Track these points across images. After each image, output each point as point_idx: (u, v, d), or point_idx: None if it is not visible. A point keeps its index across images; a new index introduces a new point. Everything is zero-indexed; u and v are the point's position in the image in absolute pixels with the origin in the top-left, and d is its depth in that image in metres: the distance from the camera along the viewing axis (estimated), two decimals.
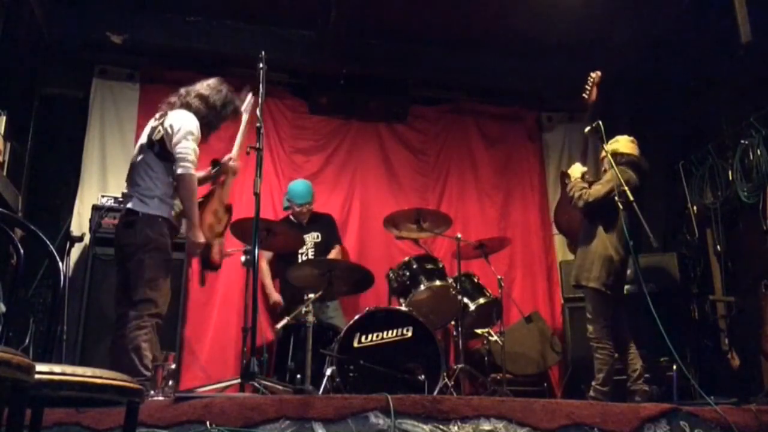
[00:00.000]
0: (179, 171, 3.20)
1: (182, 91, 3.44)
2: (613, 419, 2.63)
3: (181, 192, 3.25)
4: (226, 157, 3.61)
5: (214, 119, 3.44)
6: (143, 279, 3.13)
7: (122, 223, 3.29)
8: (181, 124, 3.26)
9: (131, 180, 3.32)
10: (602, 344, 3.80)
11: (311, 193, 4.96)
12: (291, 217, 4.98)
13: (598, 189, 3.88)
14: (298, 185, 5.00)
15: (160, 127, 3.30)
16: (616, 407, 2.75)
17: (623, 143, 4.10)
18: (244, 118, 3.65)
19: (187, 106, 3.36)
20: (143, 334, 3.07)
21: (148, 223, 3.19)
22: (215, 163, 3.62)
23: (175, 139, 3.22)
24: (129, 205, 3.24)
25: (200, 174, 3.47)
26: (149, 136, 3.33)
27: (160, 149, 3.26)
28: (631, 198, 3.66)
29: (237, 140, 3.65)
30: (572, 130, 6.12)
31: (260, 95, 3.31)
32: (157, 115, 3.41)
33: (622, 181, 3.71)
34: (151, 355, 3.02)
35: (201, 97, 3.40)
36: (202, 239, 3.27)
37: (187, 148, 3.22)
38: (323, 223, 5.06)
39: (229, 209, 3.64)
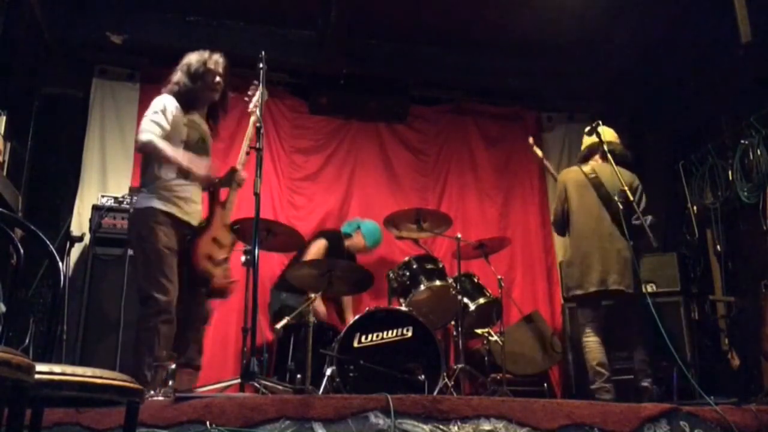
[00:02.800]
0: (136, 147, 3.31)
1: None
2: (613, 419, 2.63)
3: (154, 158, 3.29)
4: (232, 168, 3.56)
5: (194, 88, 3.43)
6: (140, 275, 3.16)
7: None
8: (150, 107, 3.34)
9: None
10: (584, 339, 3.91)
11: (380, 244, 5.01)
12: (345, 243, 4.94)
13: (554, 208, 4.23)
14: (378, 231, 4.96)
15: None
16: (616, 407, 2.75)
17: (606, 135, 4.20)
18: (252, 120, 3.58)
19: (168, 83, 3.43)
20: (146, 334, 3.10)
21: (140, 217, 3.24)
22: (232, 170, 3.57)
23: None
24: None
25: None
26: None
27: None
28: (631, 198, 3.66)
29: (243, 146, 3.59)
30: (572, 130, 6.11)
31: (260, 95, 3.31)
32: None
33: (622, 181, 3.71)
34: (156, 355, 3.02)
35: (182, 67, 3.46)
36: (203, 171, 3.36)
37: (144, 122, 3.28)
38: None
39: (232, 228, 3.58)
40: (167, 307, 3.17)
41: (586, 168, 4.05)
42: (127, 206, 4.38)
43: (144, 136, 3.25)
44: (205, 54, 3.47)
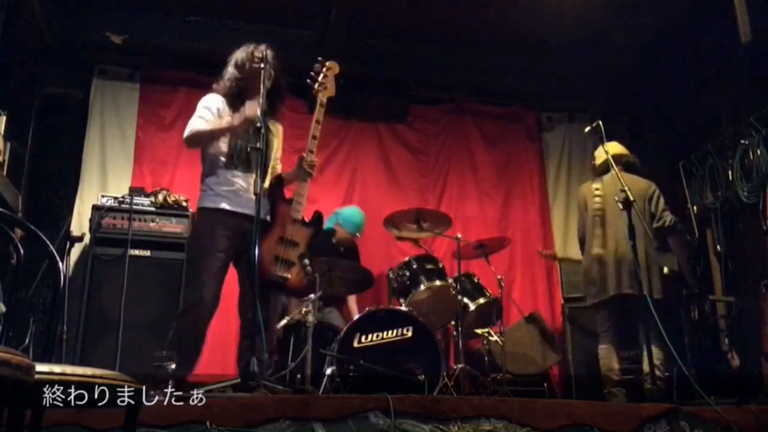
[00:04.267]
0: (186, 145, 3.36)
1: None
2: (613, 419, 2.63)
3: (199, 143, 3.34)
4: (300, 157, 3.48)
5: (243, 78, 3.42)
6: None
7: None
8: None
9: None
10: (599, 346, 3.98)
11: (362, 227, 4.86)
12: (333, 240, 4.82)
13: None
14: (355, 214, 4.85)
15: None
16: (616, 407, 2.76)
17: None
18: (319, 99, 3.54)
19: (220, 82, 3.44)
20: (173, 330, 3.22)
21: (195, 218, 3.38)
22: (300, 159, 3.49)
23: None
24: None
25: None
26: None
27: None
28: (632, 198, 3.67)
29: (311, 129, 3.50)
30: (572, 130, 6.12)
31: (260, 95, 3.30)
32: None
33: (623, 183, 3.72)
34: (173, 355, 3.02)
35: (230, 62, 3.47)
36: (251, 112, 3.23)
37: (188, 123, 3.32)
38: (355, 258, 4.91)
39: (308, 222, 3.41)
40: (186, 311, 3.26)
41: (602, 179, 4.17)
42: (127, 206, 4.39)
43: (185, 134, 3.32)
44: (251, 46, 3.47)
